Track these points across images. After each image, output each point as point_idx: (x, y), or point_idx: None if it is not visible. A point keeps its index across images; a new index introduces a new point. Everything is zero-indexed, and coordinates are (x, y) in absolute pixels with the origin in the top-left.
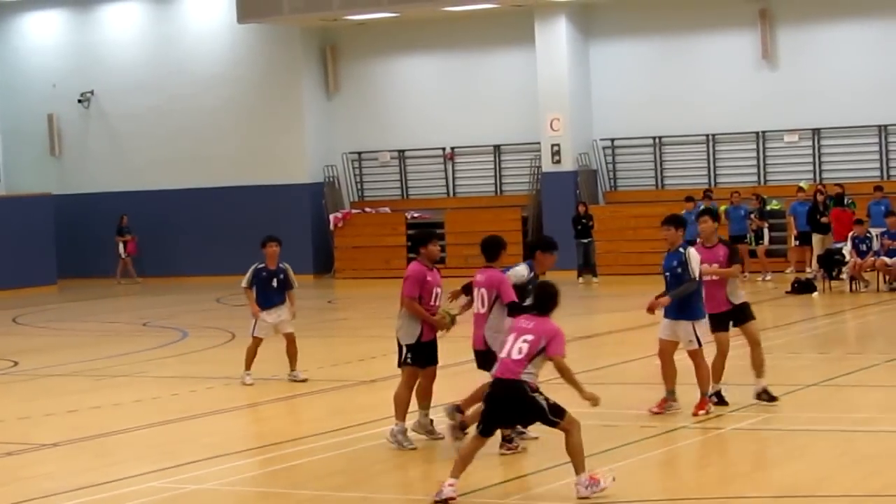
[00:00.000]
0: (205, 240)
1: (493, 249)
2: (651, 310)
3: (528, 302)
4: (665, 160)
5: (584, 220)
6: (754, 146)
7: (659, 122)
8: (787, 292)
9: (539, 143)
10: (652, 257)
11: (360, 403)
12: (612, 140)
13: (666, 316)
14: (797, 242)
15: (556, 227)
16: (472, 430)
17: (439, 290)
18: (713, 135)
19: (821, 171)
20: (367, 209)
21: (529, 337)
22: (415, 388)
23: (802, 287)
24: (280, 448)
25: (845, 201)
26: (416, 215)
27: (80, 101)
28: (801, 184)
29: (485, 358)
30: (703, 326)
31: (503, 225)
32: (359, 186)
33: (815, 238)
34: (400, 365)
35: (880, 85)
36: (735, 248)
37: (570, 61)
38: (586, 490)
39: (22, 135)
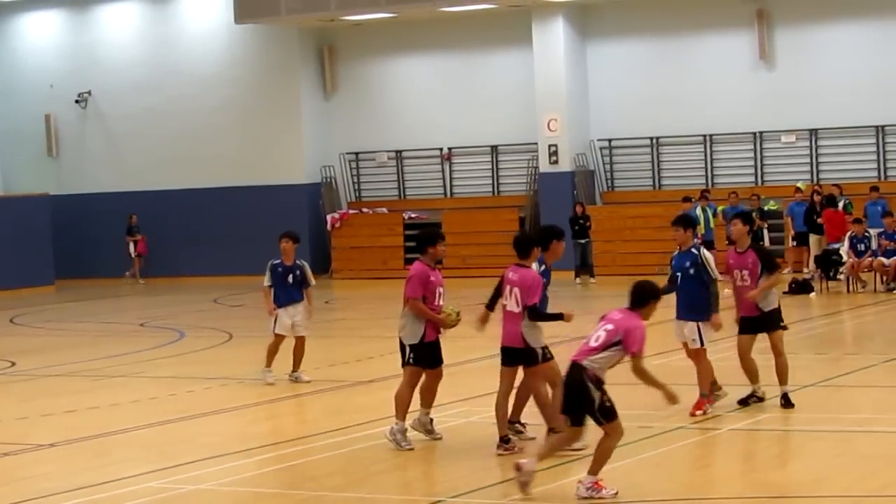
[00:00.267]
0: (202, 240)
1: (525, 246)
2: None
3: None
4: (662, 160)
5: (581, 221)
6: (752, 146)
7: (656, 123)
8: (784, 293)
9: (536, 143)
10: (649, 258)
11: (357, 404)
12: (610, 140)
13: (677, 317)
14: (794, 243)
15: None
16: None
17: (442, 289)
18: (710, 135)
19: (818, 172)
20: (365, 209)
21: (609, 327)
22: (418, 387)
23: (800, 287)
24: (278, 448)
25: (836, 202)
26: (413, 216)
27: (77, 101)
28: (799, 184)
29: (521, 355)
30: (708, 327)
31: (500, 225)
32: (356, 187)
33: (813, 238)
34: (403, 365)
35: (878, 85)
36: (767, 254)
37: (568, 62)
38: (587, 492)
39: (19, 135)
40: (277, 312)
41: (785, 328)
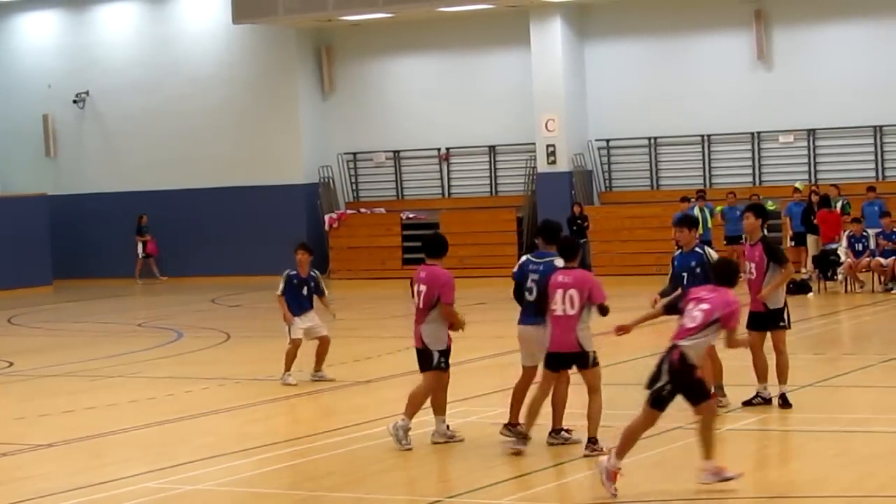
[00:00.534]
0: (200, 240)
1: (572, 250)
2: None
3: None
4: (660, 161)
5: (579, 221)
6: (749, 147)
7: (654, 123)
8: None
9: (534, 143)
10: (647, 258)
11: (355, 404)
12: (608, 140)
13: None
14: (793, 243)
15: None
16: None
17: None
18: (708, 135)
19: (816, 172)
20: (363, 210)
21: (705, 306)
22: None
23: (798, 288)
24: (275, 448)
25: (831, 202)
26: (411, 216)
27: (75, 101)
28: (797, 184)
29: (574, 359)
30: None
31: (498, 226)
32: (354, 187)
33: (810, 239)
34: (430, 369)
35: (875, 85)
36: (775, 248)
37: (566, 62)
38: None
39: (17, 135)
40: (294, 320)
41: (786, 327)
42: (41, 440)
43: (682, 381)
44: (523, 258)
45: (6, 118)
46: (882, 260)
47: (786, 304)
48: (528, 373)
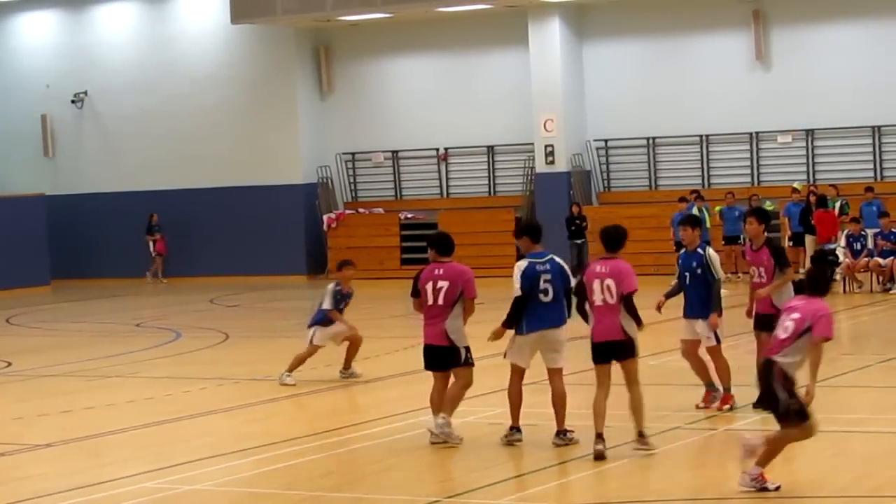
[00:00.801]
0: (199, 240)
1: (617, 240)
2: (659, 308)
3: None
4: (658, 161)
5: (577, 221)
6: (748, 147)
7: (652, 123)
8: None
9: (532, 143)
10: (645, 258)
11: (353, 404)
12: (606, 141)
13: (685, 316)
14: (791, 243)
15: (549, 227)
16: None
17: None
18: (707, 135)
19: (814, 172)
20: (361, 210)
21: (796, 315)
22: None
23: (795, 288)
24: (274, 449)
25: (827, 202)
26: (409, 216)
27: (73, 101)
28: (796, 185)
29: (620, 348)
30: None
31: (496, 226)
32: (352, 187)
33: (808, 239)
34: (458, 366)
35: (873, 86)
36: (781, 251)
37: (564, 62)
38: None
39: (15, 135)
40: (324, 329)
41: None
42: (39, 440)
43: (769, 399)
44: (524, 265)
45: (4, 118)
46: (880, 260)
47: None
48: (521, 373)
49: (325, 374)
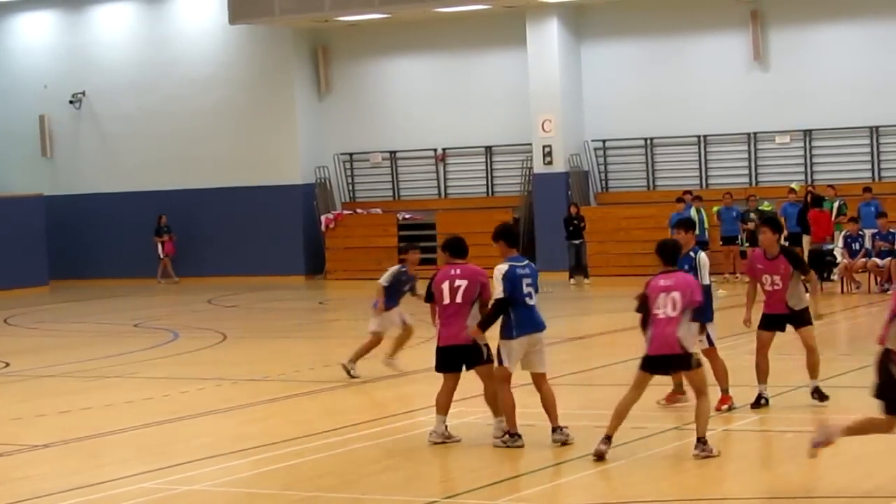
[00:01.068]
0: (197, 241)
1: (675, 253)
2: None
3: None
4: (656, 161)
5: (575, 222)
6: (746, 147)
7: (650, 123)
8: None
9: (530, 144)
10: (643, 258)
11: (351, 404)
12: (604, 141)
13: None
14: (787, 243)
15: (547, 228)
16: None
17: None
18: (705, 136)
19: (812, 173)
20: (359, 210)
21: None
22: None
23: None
24: (272, 449)
25: (824, 202)
26: (407, 216)
27: (71, 101)
28: (793, 185)
29: (675, 361)
30: (713, 327)
31: (494, 226)
32: (350, 187)
33: (806, 239)
34: (482, 363)
35: (871, 86)
36: (800, 257)
37: (562, 62)
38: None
39: (13, 136)
40: (385, 313)
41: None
42: (38, 440)
43: (887, 384)
44: (504, 268)
45: (2, 118)
46: (878, 260)
47: (807, 304)
48: (509, 378)
49: (325, 374)
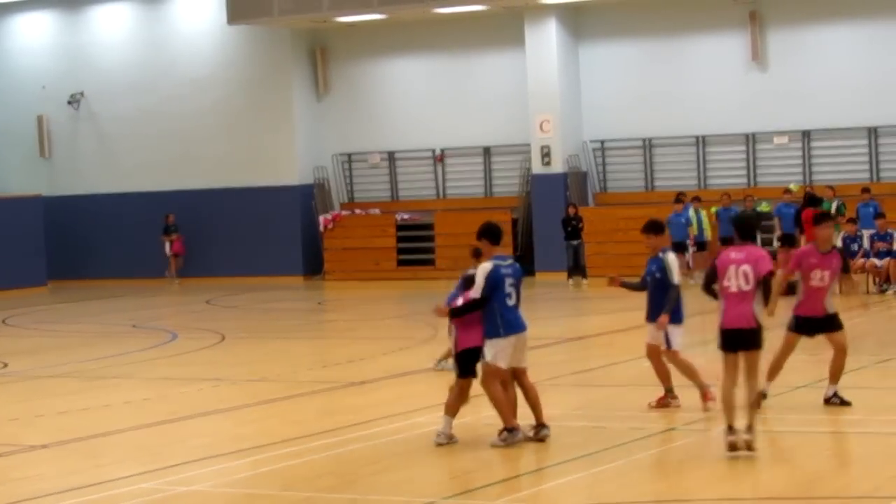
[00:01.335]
0: (195, 241)
1: (752, 227)
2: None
3: None
4: (655, 162)
5: (573, 222)
6: (744, 148)
7: (649, 124)
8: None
9: (529, 144)
10: (641, 259)
11: (349, 405)
12: (602, 142)
13: (647, 320)
14: (780, 244)
15: (545, 228)
16: None
17: None
18: (703, 136)
19: (811, 173)
20: (357, 211)
21: None
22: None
23: (790, 289)
24: (270, 450)
25: (821, 203)
26: (405, 217)
27: (69, 102)
28: (791, 186)
29: (750, 336)
30: (677, 330)
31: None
32: (349, 188)
33: (804, 240)
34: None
35: (870, 87)
36: (847, 257)
37: (560, 63)
38: None
39: (11, 136)
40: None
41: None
42: (36, 441)
43: None
44: (489, 267)
45: (0, 119)
46: (876, 261)
47: None
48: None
49: (323, 374)
